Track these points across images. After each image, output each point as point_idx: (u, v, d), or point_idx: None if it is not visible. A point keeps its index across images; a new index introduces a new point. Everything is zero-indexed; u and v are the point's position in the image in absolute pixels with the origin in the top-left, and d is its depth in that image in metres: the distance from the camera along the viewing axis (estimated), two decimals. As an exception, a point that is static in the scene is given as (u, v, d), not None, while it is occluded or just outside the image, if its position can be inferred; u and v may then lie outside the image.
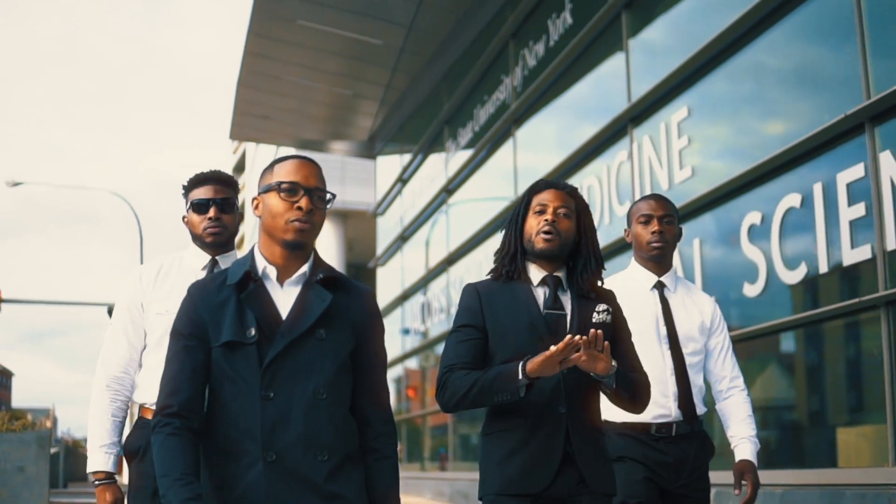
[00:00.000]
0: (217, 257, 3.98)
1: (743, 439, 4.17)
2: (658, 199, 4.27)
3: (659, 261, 4.24)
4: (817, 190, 6.87)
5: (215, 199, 3.93)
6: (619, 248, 9.54)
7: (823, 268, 6.80)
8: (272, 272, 2.86)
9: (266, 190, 2.86)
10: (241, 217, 3.46)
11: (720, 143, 8.53)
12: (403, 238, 18.86)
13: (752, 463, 4.11)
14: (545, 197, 3.45)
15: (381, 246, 20.61)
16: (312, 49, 16.10)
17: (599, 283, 3.51)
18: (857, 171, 6.52)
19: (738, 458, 4.15)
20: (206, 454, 2.79)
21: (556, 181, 3.51)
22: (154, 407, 3.11)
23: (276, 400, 2.73)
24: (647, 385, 3.46)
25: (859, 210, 6.47)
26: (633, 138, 9.68)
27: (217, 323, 2.79)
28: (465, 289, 3.53)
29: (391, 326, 18.23)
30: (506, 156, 13.51)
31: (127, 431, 4.02)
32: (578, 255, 3.45)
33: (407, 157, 18.58)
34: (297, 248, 2.86)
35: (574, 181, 10.76)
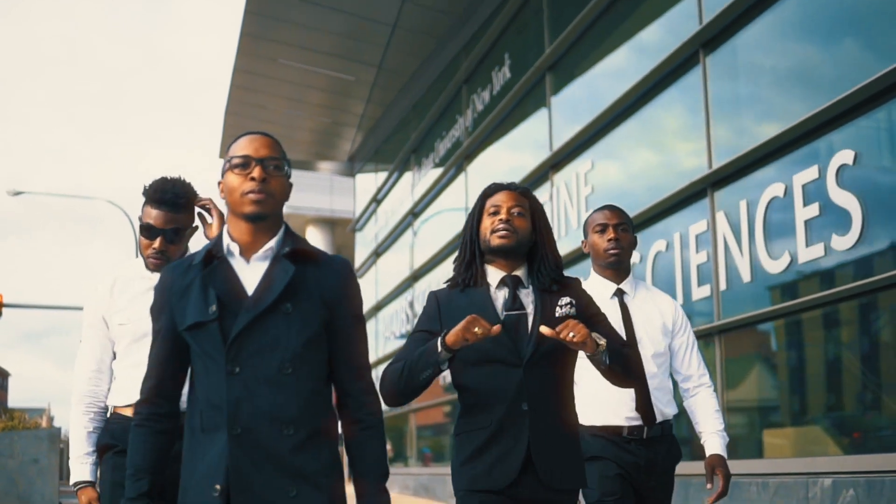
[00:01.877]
0: None
1: (712, 434, 4.27)
2: (612, 209, 4.35)
3: (616, 268, 4.30)
4: (676, 239, 8.59)
5: (164, 230, 3.83)
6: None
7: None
8: (235, 248, 2.85)
9: (223, 171, 2.88)
10: (195, 230, 4.02)
11: (617, 189, 10.22)
12: (377, 254, 20.52)
13: (722, 457, 4.22)
14: (498, 199, 3.47)
15: (359, 259, 22.25)
16: (294, 84, 17.70)
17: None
18: (701, 226, 8.24)
19: (708, 452, 4.25)
20: (188, 429, 2.82)
21: (509, 183, 3.55)
22: (124, 406, 3.68)
23: (242, 375, 2.73)
24: (639, 358, 3.56)
25: (702, 257, 8.19)
26: (552, 183, 11.39)
27: (182, 307, 2.81)
28: (428, 296, 3.53)
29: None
30: (459, 187, 15.19)
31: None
32: (535, 253, 3.46)
33: (382, 178, 20.23)
34: (258, 219, 2.84)
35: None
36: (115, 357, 3.94)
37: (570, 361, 3.43)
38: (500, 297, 3.41)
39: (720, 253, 7.97)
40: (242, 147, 2.85)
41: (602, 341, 3.25)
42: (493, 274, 3.45)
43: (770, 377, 7.95)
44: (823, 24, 7.33)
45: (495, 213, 3.44)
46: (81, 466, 3.88)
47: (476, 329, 3.09)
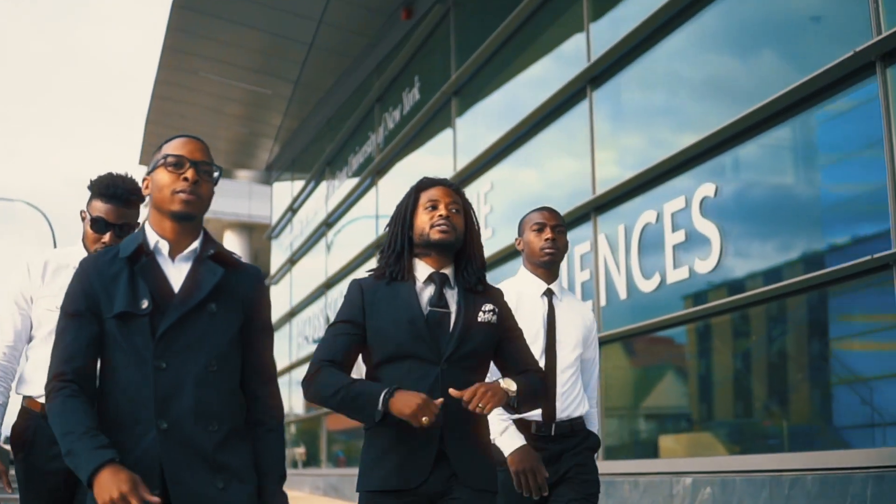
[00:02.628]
0: None
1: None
2: (550, 210, 4.39)
3: (549, 268, 4.32)
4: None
5: (115, 224, 3.85)
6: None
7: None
8: (164, 247, 2.88)
9: (154, 167, 2.90)
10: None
11: (512, 210, 10.97)
12: (292, 262, 21.11)
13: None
14: (435, 193, 3.45)
15: (275, 265, 22.80)
16: (213, 96, 18.23)
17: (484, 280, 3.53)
18: (585, 247, 9.03)
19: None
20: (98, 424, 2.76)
21: (442, 179, 3.55)
22: (42, 400, 3.42)
23: (169, 371, 2.75)
24: (543, 380, 3.49)
25: (586, 275, 8.97)
26: (456, 201, 12.12)
27: (110, 295, 2.80)
28: (350, 284, 3.48)
29: (280, 340, 20.54)
30: (370, 200, 15.87)
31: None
32: (463, 252, 3.45)
33: (298, 188, 20.82)
34: (185, 219, 2.89)
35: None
36: (30, 340, 3.88)
37: (486, 366, 3.45)
38: (425, 292, 3.39)
39: (601, 271, 8.76)
40: (178, 147, 2.91)
41: (512, 389, 3.27)
42: (422, 269, 3.43)
43: (644, 385, 8.79)
44: (690, 72, 8.16)
45: (434, 208, 3.42)
46: None
47: (424, 418, 3.06)
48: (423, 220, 3.42)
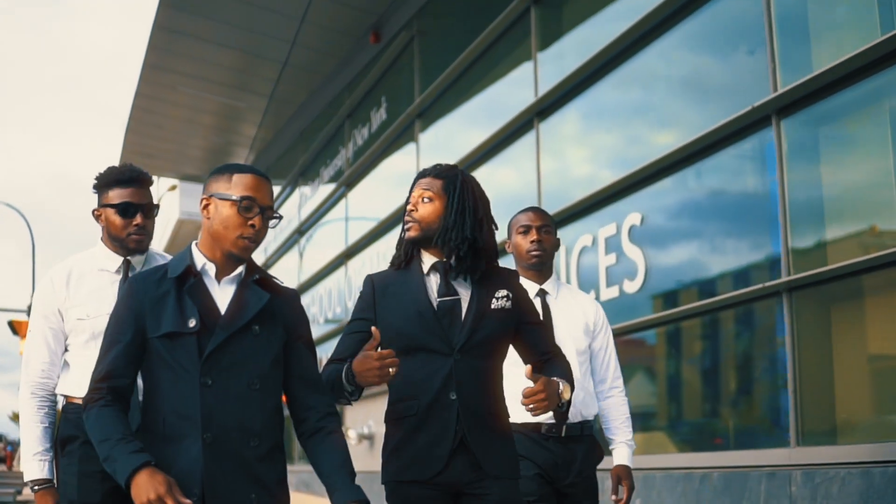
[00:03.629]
0: (129, 258, 3.87)
1: (620, 444, 4.31)
2: (536, 210, 4.37)
3: (539, 269, 4.28)
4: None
5: (141, 205, 3.81)
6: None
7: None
8: (211, 269, 2.96)
9: (223, 198, 2.92)
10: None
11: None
12: (267, 266, 21.85)
13: (628, 468, 4.24)
14: (413, 188, 3.44)
15: (249, 270, 23.53)
16: (191, 108, 18.97)
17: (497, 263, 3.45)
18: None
19: (615, 462, 4.28)
20: (143, 438, 2.86)
21: (432, 166, 3.49)
22: (80, 398, 3.27)
23: (214, 387, 2.83)
24: (569, 365, 3.43)
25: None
26: (419, 217, 13.00)
27: (157, 314, 2.87)
28: (364, 280, 3.47)
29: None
30: (340, 210, 16.72)
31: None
32: (448, 235, 3.35)
33: (273, 195, 21.54)
34: (240, 262, 2.99)
35: (381, 244, 14.17)
36: (66, 350, 3.84)
37: (501, 352, 3.39)
38: (433, 282, 3.35)
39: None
40: (252, 188, 2.95)
41: (567, 397, 3.23)
42: (427, 259, 3.39)
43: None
44: (620, 112, 9.07)
45: (408, 203, 3.40)
46: (38, 464, 3.75)
47: (372, 374, 3.05)
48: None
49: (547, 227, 4.32)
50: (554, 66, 9.89)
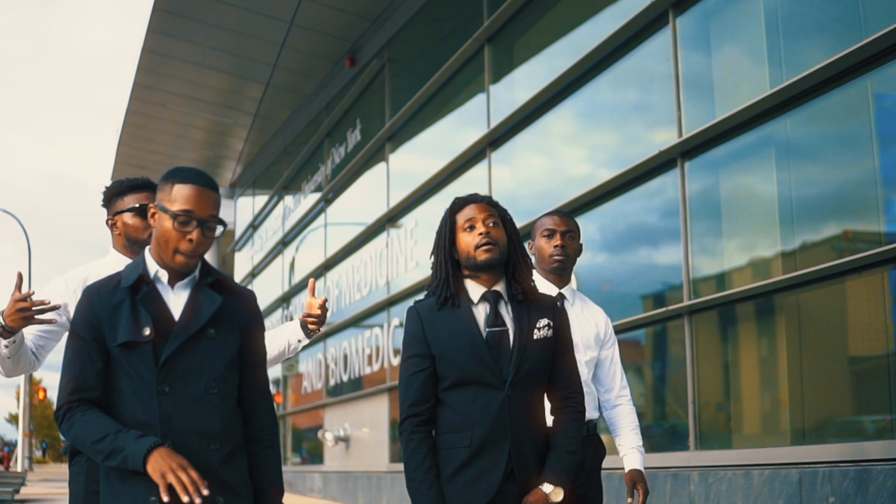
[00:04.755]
0: None
1: (631, 449, 4.29)
2: (562, 215, 4.32)
3: (560, 273, 4.25)
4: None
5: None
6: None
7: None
8: (164, 276, 2.92)
9: (163, 210, 2.88)
10: None
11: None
12: (253, 275, 22.81)
13: (641, 472, 4.24)
14: (469, 212, 3.36)
15: (238, 276, 24.44)
16: (180, 124, 19.91)
17: (535, 287, 3.42)
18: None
19: (627, 468, 4.26)
20: None
21: (474, 194, 3.48)
22: None
23: (172, 394, 2.80)
24: (582, 410, 3.41)
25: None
26: (388, 234, 13.94)
27: (113, 324, 2.84)
28: (408, 312, 3.40)
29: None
30: (320, 223, 17.61)
31: None
32: (510, 262, 3.36)
33: (259, 205, 22.54)
34: (181, 274, 2.94)
35: (356, 257, 15.11)
36: None
37: (545, 379, 3.35)
38: (481, 312, 3.31)
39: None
40: (189, 199, 2.86)
41: (557, 497, 3.25)
42: (474, 290, 3.34)
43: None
44: (569, 139, 9.97)
45: (472, 228, 3.33)
46: None
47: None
48: (466, 242, 3.33)
49: (571, 232, 4.29)
50: (505, 99, 10.78)
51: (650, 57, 8.38)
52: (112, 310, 2.86)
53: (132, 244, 3.87)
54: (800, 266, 6.68)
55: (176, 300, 2.92)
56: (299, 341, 4.09)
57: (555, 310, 3.40)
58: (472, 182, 11.55)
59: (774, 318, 7.13)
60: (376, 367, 14.25)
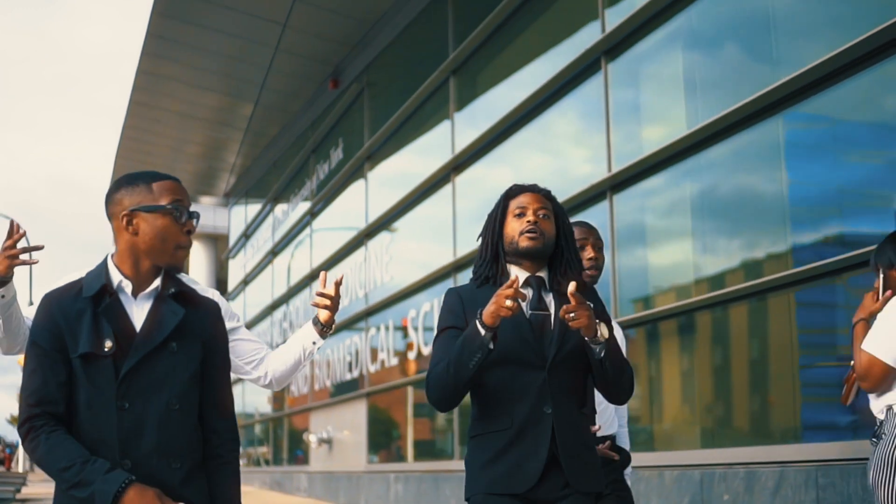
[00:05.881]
0: None
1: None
2: (590, 227, 4.28)
3: (592, 284, 4.11)
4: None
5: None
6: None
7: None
8: (128, 286, 2.78)
9: (151, 209, 2.76)
10: None
11: (410, 260, 13.57)
12: (245, 282, 23.59)
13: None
14: (523, 200, 3.34)
15: (232, 284, 25.24)
16: (176, 138, 20.72)
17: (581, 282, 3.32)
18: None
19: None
20: None
21: (532, 185, 3.43)
22: None
23: (132, 410, 2.67)
24: (632, 373, 3.35)
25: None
26: (367, 248, 14.78)
27: (74, 334, 2.69)
28: (447, 293, 3.38)
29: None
30: (306, 234, 18.39)
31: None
32: (559, 255, 3.33)
33: (251, 215, 23.29)
34: (178, 271, 2.87)
35: (341, 268, 15.90)
36: None
37: (586, 365, 3.28)
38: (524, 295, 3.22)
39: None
40: (177, 190, 2.81)
41: (605, 333, 3.14)
42: (517, 273, 3.31)
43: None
44: (524, 169, 10.78)
45: (521, 215, 3.31)
46: None
47: (507, 302, 2.99)
48: (513, 228, 3.32)
49: (600, 243, 4.29)
50: (469, 125, 11.57)
51: (586, 95, 9.20)
52: (73, 318, 2.71)
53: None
54: (714, 288, 7.47)
55: (139, 312, 2.78)
56: (314, 343, 3.90)
57: (594, 296, 3.43)
58: (437, 204, 12.40)
59: (693, 335, 7.93)
60: (356, 373, 14.99)
